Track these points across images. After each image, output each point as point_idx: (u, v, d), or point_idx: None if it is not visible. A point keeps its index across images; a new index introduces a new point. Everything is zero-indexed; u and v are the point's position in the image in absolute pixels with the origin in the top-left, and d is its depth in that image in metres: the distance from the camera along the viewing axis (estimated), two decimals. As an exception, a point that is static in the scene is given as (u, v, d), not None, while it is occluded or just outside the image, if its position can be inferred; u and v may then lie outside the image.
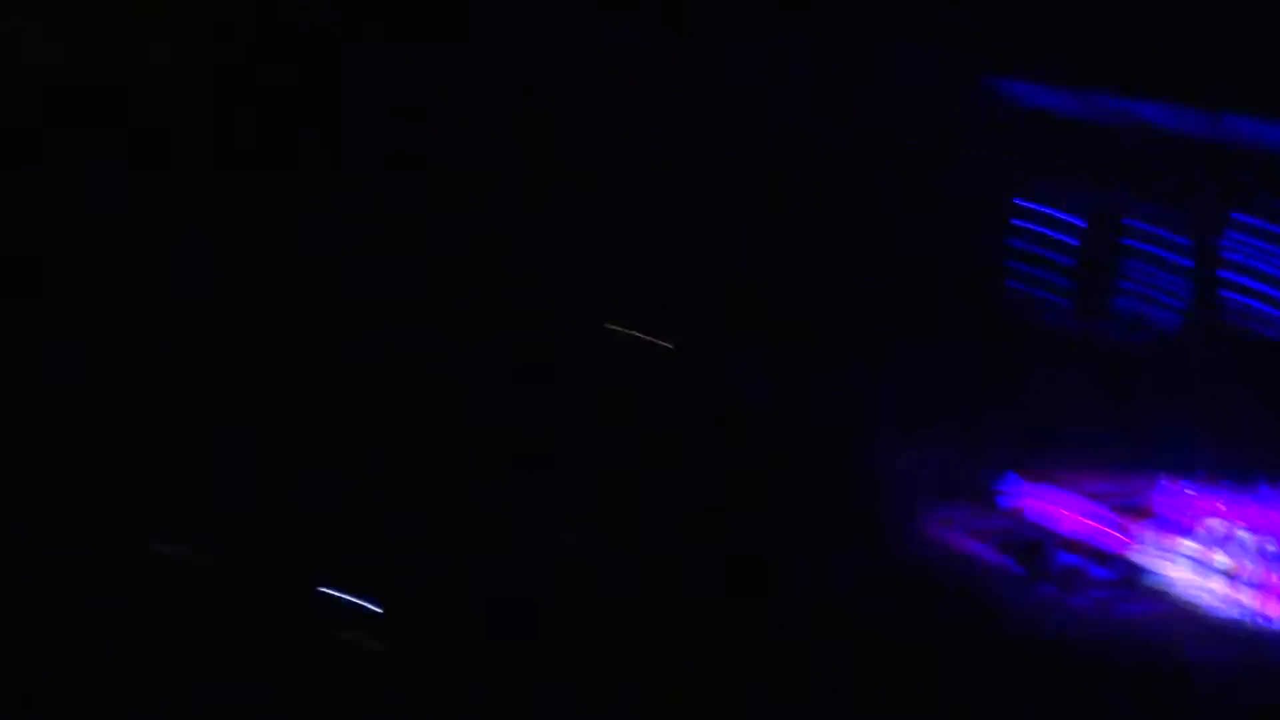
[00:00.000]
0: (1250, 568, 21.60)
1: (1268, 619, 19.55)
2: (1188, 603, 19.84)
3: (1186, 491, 24.23)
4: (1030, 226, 25.55)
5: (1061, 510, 22.82)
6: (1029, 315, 25.77)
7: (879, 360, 24.56)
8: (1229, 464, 24.18)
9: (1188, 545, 22.47)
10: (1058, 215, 26.05)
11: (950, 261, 24.44)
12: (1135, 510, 23.23)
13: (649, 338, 18.21)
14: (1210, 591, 20.19)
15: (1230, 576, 21.75)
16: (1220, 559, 21.86)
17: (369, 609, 14.83)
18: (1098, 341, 25.38)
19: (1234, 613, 19.82)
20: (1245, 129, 23.81)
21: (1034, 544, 21.69)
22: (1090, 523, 22.53)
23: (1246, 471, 24.12)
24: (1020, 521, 22.61)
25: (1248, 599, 19.78)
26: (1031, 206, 24.91)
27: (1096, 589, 20.19)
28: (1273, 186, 24.36)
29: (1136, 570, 20.38)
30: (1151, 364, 25.21)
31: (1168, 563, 21.61)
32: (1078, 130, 24.20)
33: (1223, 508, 23.43)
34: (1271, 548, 22.67)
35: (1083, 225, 25.43)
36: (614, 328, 17.82)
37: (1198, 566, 21.59)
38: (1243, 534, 22.83)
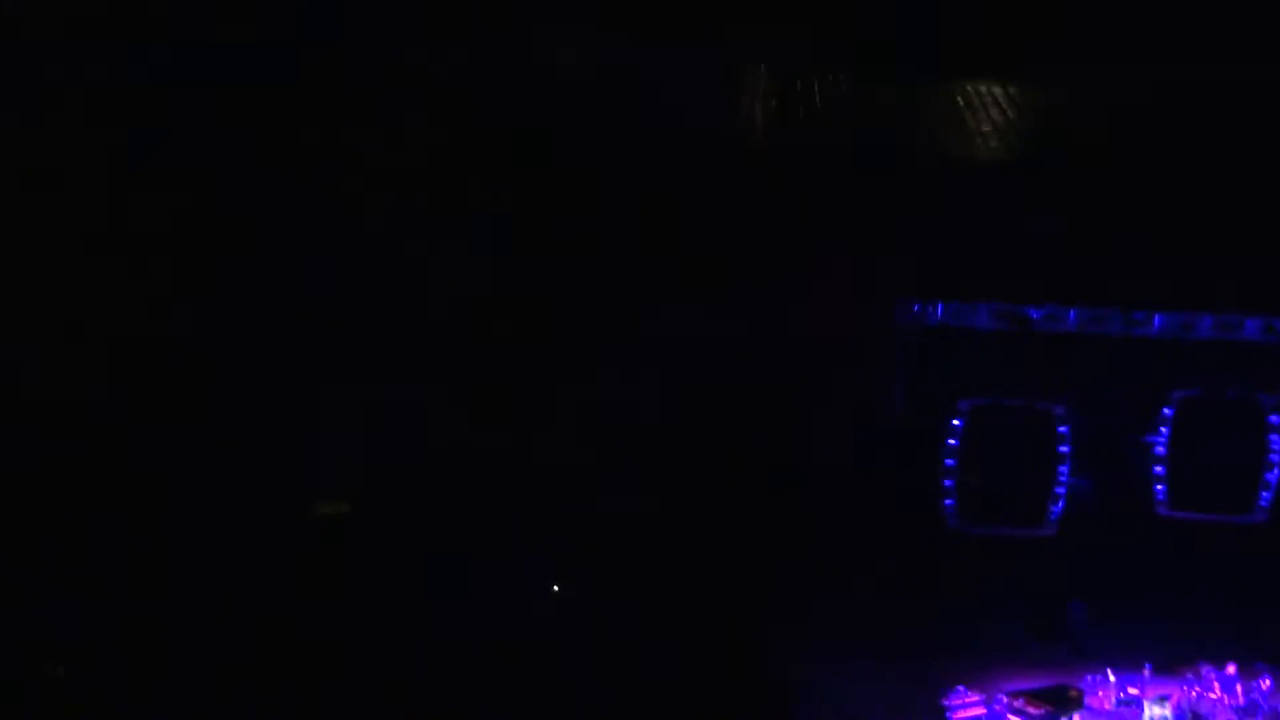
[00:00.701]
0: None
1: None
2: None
3: (1119, 682, 26.16)
4: (961, 431, 25.98)
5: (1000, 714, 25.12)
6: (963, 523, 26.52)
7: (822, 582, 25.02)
8: (1159, 654, 25.91)
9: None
10: (985, 422, 26.77)
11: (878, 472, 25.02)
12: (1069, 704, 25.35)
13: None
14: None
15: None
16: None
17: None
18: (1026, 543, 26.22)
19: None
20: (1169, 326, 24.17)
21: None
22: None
23: (1176, 658, 25.96)
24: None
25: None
26: (960, 416, 25.17)
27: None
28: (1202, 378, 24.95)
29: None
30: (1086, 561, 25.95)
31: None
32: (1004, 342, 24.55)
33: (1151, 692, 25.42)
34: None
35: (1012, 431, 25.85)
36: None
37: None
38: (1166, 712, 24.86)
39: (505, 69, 26.24)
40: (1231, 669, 26.60)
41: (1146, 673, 26.84)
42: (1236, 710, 25.98)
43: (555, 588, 26.42)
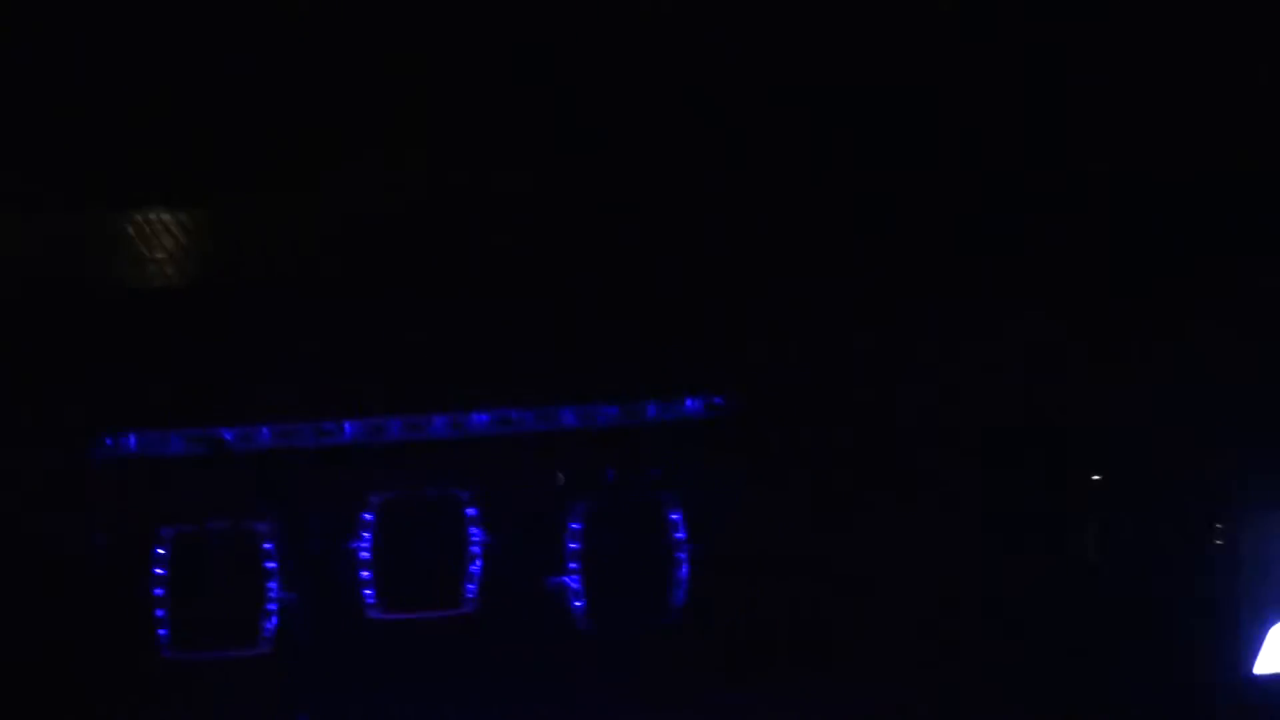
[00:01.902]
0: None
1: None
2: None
3: None
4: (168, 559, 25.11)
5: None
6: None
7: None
8: None
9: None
10: (189, 547, 26.14)
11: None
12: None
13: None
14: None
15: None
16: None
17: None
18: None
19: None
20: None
21: None
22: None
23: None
24: None
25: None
26: (164, 543, 24.35)
27: None
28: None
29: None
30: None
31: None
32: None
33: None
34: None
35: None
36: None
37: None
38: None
39: None
40: None
41: None
42: None
43: None
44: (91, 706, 22.51)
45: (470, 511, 27.14)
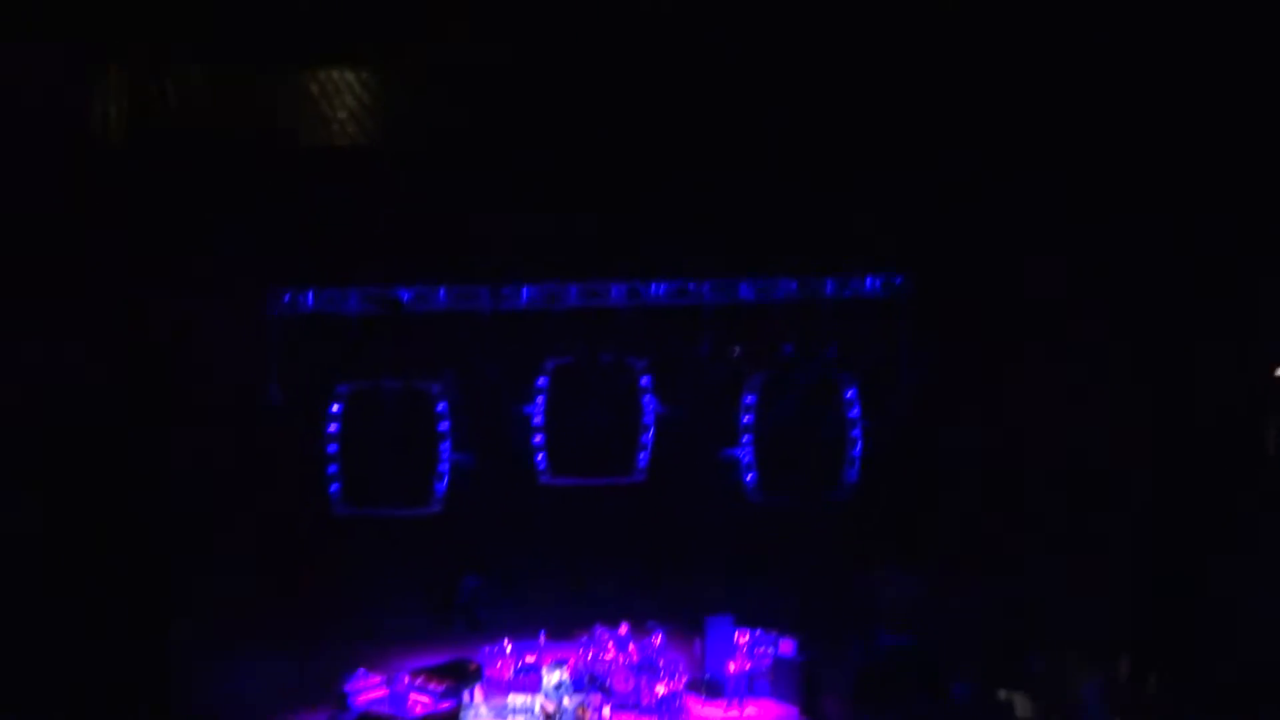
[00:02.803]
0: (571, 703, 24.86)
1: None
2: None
3: (516, 651, 27.16)
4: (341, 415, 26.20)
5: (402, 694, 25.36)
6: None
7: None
8: (553, 620, 26.94)
9: (517, 699, 25.21)
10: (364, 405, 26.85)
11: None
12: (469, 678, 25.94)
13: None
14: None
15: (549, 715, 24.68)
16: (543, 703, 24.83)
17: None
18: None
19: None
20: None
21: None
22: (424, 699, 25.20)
23: (570, 622, 27.11)
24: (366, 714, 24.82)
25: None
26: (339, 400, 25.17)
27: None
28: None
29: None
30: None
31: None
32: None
33: (548, 658, 26.13)
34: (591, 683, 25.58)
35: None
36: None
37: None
38: (564, 676, 25.34)
39: None
40: (624, 629, 27.28)
41: (542, 640, 27.48)
42: (632, 668, 26.57)
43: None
44: (264, 557, 24.44)
45: (644, 381, 26.44)
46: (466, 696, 26.03)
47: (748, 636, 27.20)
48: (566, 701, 25.35)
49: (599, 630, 27.64)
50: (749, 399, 27.30)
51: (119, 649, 25.54)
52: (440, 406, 28.28)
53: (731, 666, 26.39)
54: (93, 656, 25.12)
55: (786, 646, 27.22)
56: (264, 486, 26.25)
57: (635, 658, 27.04)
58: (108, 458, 25.63)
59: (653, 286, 27.11)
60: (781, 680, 26.63)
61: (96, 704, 24.82)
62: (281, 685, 25.95)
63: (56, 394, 25.42)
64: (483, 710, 25.88)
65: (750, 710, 25.87)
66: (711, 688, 26.82)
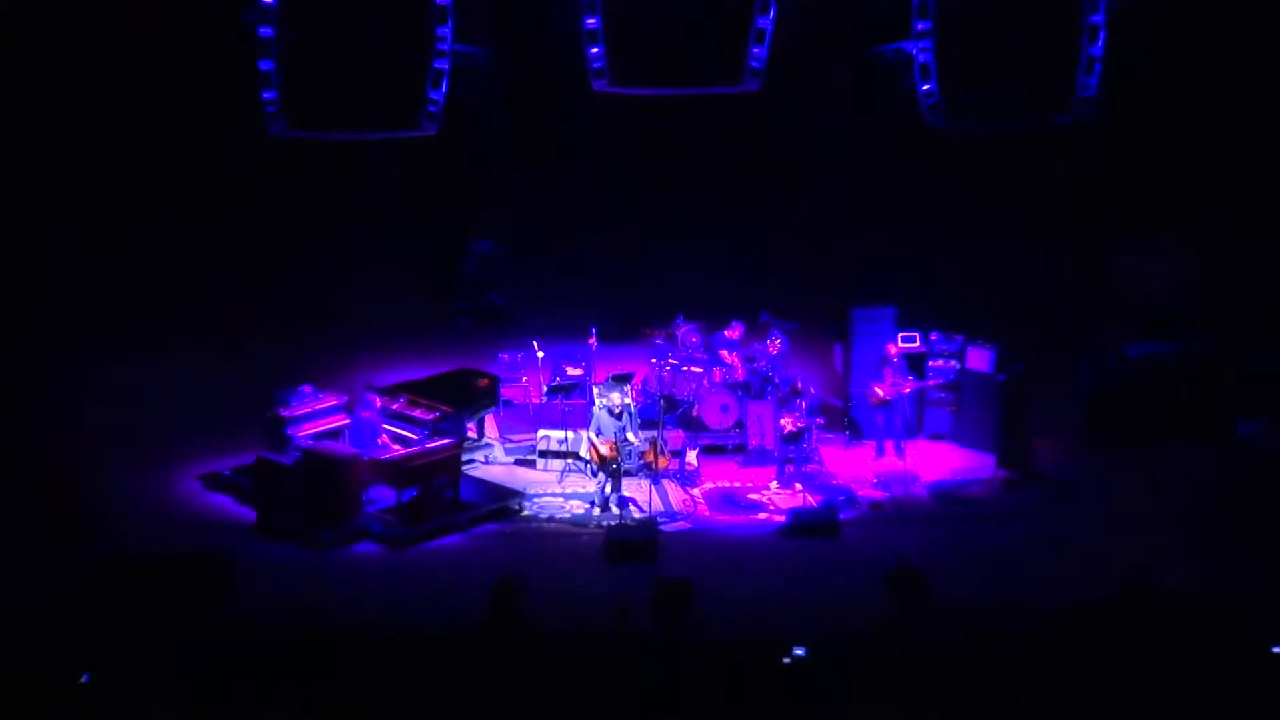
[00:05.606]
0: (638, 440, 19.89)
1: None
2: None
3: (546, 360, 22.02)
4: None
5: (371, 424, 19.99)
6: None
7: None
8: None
9: (554, 435, 20.10)
10: None
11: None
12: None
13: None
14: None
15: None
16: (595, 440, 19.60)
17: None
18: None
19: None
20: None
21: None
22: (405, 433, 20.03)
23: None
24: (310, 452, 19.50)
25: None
26: None
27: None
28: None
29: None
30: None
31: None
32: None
33: (600, 372, 20.96)
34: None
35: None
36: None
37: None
38: (627, 400, 19.86)
39: None
40: (735, 329, 20.79)
41: (592, 342, 20.68)
42: (735, 389, 20.19)
43: None
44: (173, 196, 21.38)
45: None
46: (472, 430, 20.51)
47: (917, 341, 21.60)
48: (631, 437, 19.39)
49: (682, 327, 21.61)
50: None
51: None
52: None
53: (888, 388, 20.65)
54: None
55: (978, 358, 21.40)
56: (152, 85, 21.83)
57: (740, 373, 21.05)
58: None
59: None
60: (970, 409, 21.12)
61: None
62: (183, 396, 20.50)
63: None
64: (497, 451, 20.45)
65: (915, 460, 19.94)
66: (855, 425, 21.08)
